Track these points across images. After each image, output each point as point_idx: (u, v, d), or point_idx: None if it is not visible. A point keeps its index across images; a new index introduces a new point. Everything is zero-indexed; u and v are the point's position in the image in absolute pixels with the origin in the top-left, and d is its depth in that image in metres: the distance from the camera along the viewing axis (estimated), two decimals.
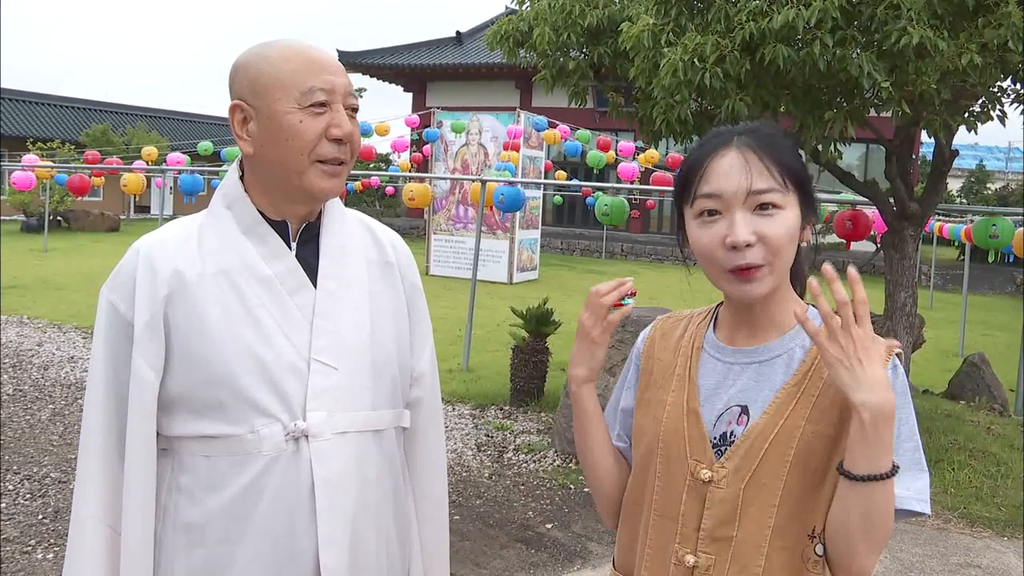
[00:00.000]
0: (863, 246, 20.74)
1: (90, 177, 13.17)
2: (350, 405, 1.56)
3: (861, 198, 6.94)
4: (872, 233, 8.61)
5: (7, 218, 26.43)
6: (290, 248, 1.57)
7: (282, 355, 1.51)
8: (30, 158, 16.04)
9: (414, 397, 1.74)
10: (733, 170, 1.39)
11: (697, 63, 4.79)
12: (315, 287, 1.57)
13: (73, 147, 25.53)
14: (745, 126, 1.46)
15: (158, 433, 1.52)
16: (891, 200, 6.58)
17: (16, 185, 13.77)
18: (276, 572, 1.49)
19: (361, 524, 1.56)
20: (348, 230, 1.66)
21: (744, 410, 1.43)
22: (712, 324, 1.56)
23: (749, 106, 4.98)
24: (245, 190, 1.57)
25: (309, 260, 1.59)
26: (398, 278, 1.72)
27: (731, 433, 1.43)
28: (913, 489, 1.35)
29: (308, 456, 1.50)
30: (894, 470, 1.28)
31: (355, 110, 1.57)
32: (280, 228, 1.57)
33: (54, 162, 19.22)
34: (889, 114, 5.17)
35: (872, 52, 4.70)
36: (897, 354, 1.37)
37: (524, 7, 6.71)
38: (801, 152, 1.42)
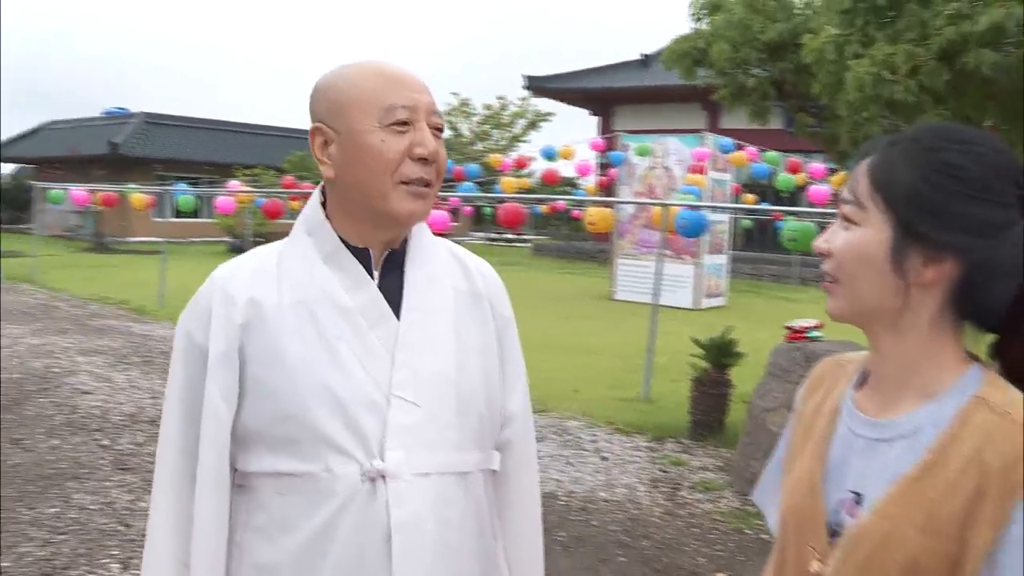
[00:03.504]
0: None
1: (286, 201, 13.81)
2: (432, 444, 1.46)
3: None
4: None
5: (215, 239, 28.51)
6: (372, 277, 1.50)
7: (359, 389, 1.43)
8: (234, 184, 17.14)
9: (504, 439, 1.63)
10: (850, 177, 1.24)
11: (887, 75, 4.39)
12: (398, 319, 1.48)
13: (275, 172, 27.10)
14: (898, 136, 1.22)
15: (235, 469, 1.48)
16: None
17: (219, 209, 14.70)
18: None
19: (440, 569, 1.46)
20: (435, 258, 1.58)
21: (858, 499, 1.19)
22: (858, 379, 1.30)
23: (948, 121, 4.53)
24: (327, 216, 1.50)
25: (392, 290, 1.50)
26: (488, 310, 1.61)
27: (842, 523, 1.19)
28: None
29: (385, 498, 1.41)
30: None
31: (440, 129, 1.48)
32: (362, 256, 1.49)
33: (255, 187, 20.35)
34: None
35: None
36: None
37: (701, 24, 6.46)
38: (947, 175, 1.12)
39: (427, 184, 1.45)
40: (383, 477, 1.40)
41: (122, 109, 36.22)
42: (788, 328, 6.17)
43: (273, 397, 1.42)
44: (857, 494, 1.19)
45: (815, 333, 6.06)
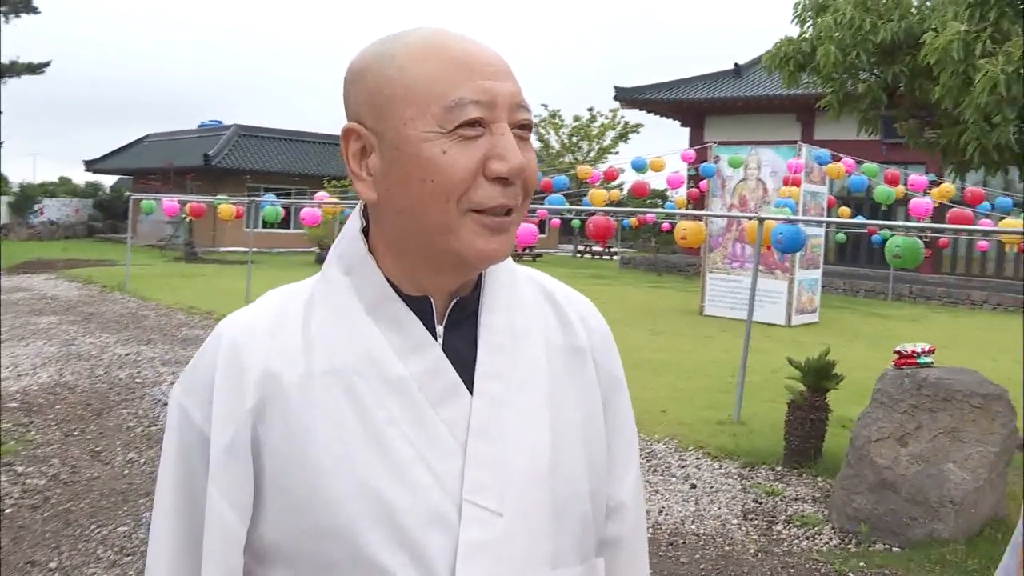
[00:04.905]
0: None
1: None
2: (520, 566, 1.05)
3: None
4: None
5: (303, 250, 29.16)
6: (435, 336, 1.07)
7: (421, 496, 1.02)
8: (321, 195, 17.21)
9: (611, 535, 1.21)
10: None
11: None
12: (471, 392, 1.07)
13: None
14: None
15: None
16: None
17: (304, 221, 14.73)
18: None
19: None
20: (519, 302, 1.14)
21: None
22: None
23: None
24: (370, 250, 1.09)
25: (462, 351, 1.08)
26: (591, 369, 1.18)
27: None
28: None
29: None
30: None
31: (528, 128, 1.04)
32: (420, 305, 1.08)
33: (343, 198, 20.52)
34: None
35: None
36: None
37: (807, 26, 6.04)
38: None
39: (508, 212, 1.02)
40: None
41: (216, 122, 37.11)
42: (897, 352, 5.71)
43: (300, 507, 1.02)
44: None
45: (926, 359, 5.58)
